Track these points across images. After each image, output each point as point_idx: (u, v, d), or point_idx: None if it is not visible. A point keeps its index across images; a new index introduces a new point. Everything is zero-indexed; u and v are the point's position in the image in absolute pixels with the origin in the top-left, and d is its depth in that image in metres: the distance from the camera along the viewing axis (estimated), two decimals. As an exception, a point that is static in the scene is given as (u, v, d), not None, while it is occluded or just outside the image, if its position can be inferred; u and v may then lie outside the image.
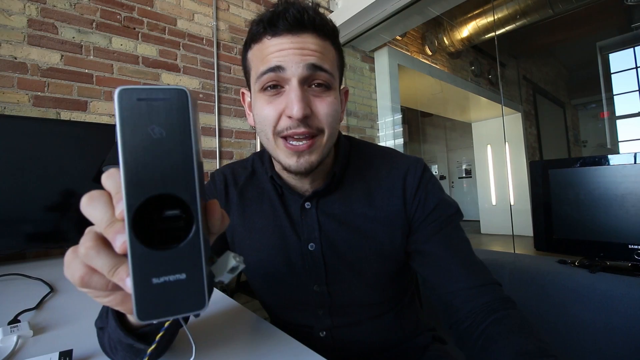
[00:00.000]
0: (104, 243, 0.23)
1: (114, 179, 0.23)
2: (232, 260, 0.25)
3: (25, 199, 1.10)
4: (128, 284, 0.21)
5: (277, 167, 0.57)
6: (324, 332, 0.59)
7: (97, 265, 0.23)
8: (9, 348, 0.47)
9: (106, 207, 0.22)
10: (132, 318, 0.33)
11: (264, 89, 0.48)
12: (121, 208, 0.21)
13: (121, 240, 0.21)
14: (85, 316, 0.62)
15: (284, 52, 0.46)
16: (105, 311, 0.37)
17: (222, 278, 0.25)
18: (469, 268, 0.52)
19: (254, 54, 0.50)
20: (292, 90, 0.46)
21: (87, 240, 0.23)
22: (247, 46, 0.52)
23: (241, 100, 0.59)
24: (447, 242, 0.54)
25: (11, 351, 0.46)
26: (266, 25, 0.47)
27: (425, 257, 0.55)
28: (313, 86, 0.48)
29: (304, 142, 0.48)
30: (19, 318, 0.58)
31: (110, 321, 0.35)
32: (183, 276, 0.21)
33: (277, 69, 0.46)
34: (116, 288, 0.24)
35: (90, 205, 0.23)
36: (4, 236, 1.07)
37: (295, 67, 0.46)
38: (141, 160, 0.20)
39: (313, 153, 0.49)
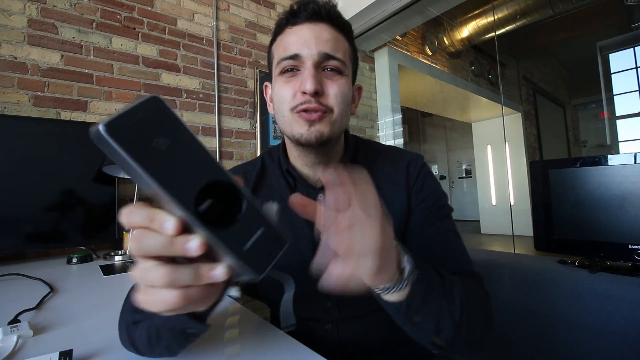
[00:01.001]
0: (172, 263, 0.24)
1: (138, 213, 0.23)
2: (273, 205, 0.28)
3: (25, 199, 1.10)
4: (219, 275, 0.24)
5: (292, 157, 0.60)
6: (330, 325, 0.59)
7: (184, 280, 0.24)
8: (9, 348, 0.47)
9: (156, 235, 0.23)
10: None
11: (282, 72, 0.54)
12: (172, 225, 0.22)
13: (195, 244, 0.22)
14: (85, 316, 0.62)
15: (302, 40, 0.52)
16: None
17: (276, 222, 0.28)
18: (451, 257, 0.55)
19: (277, 44, 0.57)
20: (307, 70, 0.52)
21: (159, 274, 0.23)
22: (272, 42, 0.59)
23: (264, 93, 0.65)
24: (436, 230, 0.57)
25: (11, 351, 0.46)
26: (289, 17, 0.55)
27: (411, 240, 0.58)
28: (326, 70, 0.53)
29: (316, 114, 0.52)
30: (19, 318, 0.58)
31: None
32: (262, 230, 0.24)
33: (295, 56, 0.52)
34: (204, 291, 0.26)
35: (142, 245, 0.23)
36: (4, 236, 1.07)
37: (311, 53, 0.52)
38: (167, 172, 0.21)
39: (323, 125, 0.53)
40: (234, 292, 0.28)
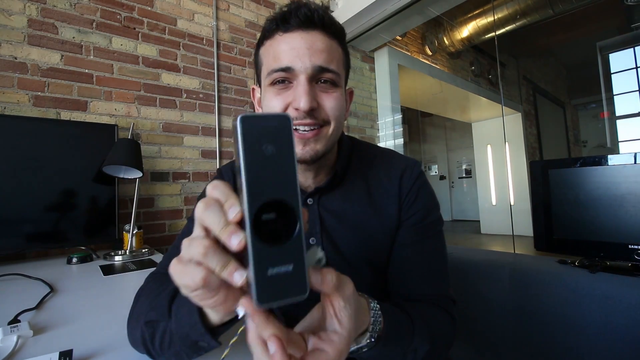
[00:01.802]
0: (216, 245, 0.26)
1: (220, 189, 0.27)
2: (320, 253, 0.29)
3: (25, 199, 1.10)
4: (236, 279, 0.25)
5: None
6: None
7: (212, 263, 0.26)
8: (9, 348, 0.47)
9: (220, 213, 0.26)
10: (213, 316, 0.35)
11: (273, 83, 0.51)
12: (234, 213, 0.25)
13: (237, 239, 0.24)
14: (85, 316, 0.62)
15: (295, 51, 0.49)
16: (167, 307, 0.39)
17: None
18: (429, 278, 0.56)
19: (265, 49, 0.53)
20: (300, 85, 0.49)
21: (200, 244, 0.26)
22: (259, 43, 0.56)
23: (251, 96, 0.62)
24: (420, 249, 0.57)
25: (11, 351, 0.46)
26: (279, 22, 0.51)
27: (394, 256, 0.58)
28: (320, 82, 0.51)
29: (310, 130, 0.50)
30: (19, 318, 0.58)
31: (182, 318, 0.36)
32: (290, 267, 0.24)
33: (287, 69, 0.49)
34: (221, 288, 0.27)
35: (206, 211, 0.26)
36: (4, 236, 1.07)
37: (304, 67, 0.49)
38: (258, 172, 0.24)
39: (318, 142, 0.51)
40: (241, 310, 0.28)
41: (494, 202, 4.95)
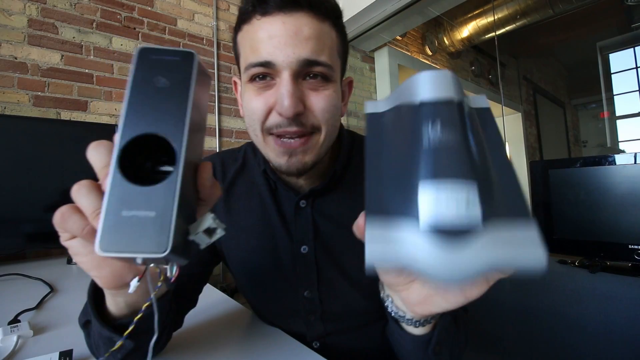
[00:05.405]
0: (97, 187, 0.24)
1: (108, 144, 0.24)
2: (210, 221, 0.23)
3: (25, 199, 1.10)
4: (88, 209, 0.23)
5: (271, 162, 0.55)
6: (317, 343, 0.54)
7: (84, 203, 0.23)
8: (9, 348, 0.47)
9: (107, 153, 0.23)
10: (110, 305, 0.32)
11: (252, 79, 0.44)
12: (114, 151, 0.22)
13: (109, 178, 0.21)
14: (85, 316, 0.62)
15: (275, 40, 0.40)
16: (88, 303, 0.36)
17: (195, 238, 0.23)
18: None
19: (243, 37, 0.45)
20: (283, 85, 0.40)
21: (82, 181, 0.24)
22: (237, 28, 0.46)
23: (233, 89, 0.55)
24: None
25: (11, 351, 0.46)
26: (255, 3, 0.41)
27: None
28: (308, 78, 0.42)
29: (297, 139, 0.43)
30: (19, 318, 0.58)
31: (91, 312, 0.34)
32: (152, 214, 0.20)
33: (267, 64, 0.41)
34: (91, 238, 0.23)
35: (94, 149, 0.24)
36: (4, 236, 1.07)
37: (287, 61, 0.40)
38: (141, 103, 0.22)
39: (307, 153, 0.44)
40: (134, 283, 0.26)
41: (494, 202, 4.94)
